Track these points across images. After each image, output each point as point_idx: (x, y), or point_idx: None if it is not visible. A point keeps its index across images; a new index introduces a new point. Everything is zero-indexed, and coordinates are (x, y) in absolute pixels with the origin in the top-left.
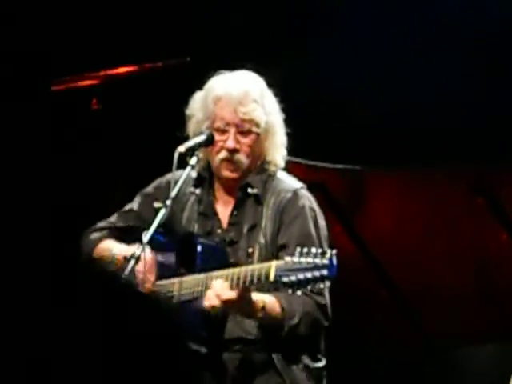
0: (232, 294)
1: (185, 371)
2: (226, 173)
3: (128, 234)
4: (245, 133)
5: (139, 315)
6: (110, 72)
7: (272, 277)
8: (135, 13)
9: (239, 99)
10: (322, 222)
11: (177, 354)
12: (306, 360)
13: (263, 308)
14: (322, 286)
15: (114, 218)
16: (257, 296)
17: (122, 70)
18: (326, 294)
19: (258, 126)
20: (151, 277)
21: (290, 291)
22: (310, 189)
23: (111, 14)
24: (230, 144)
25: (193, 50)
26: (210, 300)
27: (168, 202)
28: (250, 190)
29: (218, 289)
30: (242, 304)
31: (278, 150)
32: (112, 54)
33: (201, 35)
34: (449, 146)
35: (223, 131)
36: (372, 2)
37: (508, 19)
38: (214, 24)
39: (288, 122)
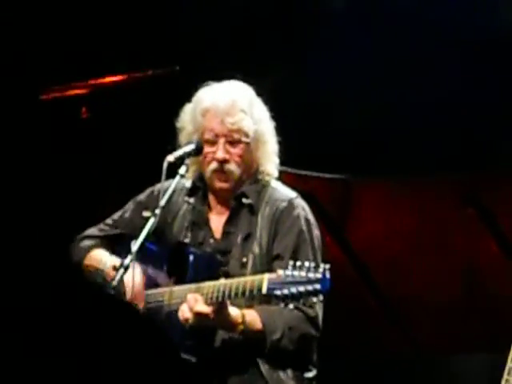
0: (204, 308)
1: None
2: (218, 184)
3: (119, 242)
4: (234, 143)
5: (124, 325)
6: (99, 81)
7: (265, 289)
8: (124, 22)
9: (226, 110)
10: (316, 232)
11: (168, 364)
12: (296, 370)
13: (243, 322)
14: (314, 300)
15: (105, 226)
16: (235, 310)
17: (112, 78)
18: (317, 305)
19: (246, 135)
20: (140, 298)
21: (282, 304)
22: None
23: (101, 23)
24: (220, 155)
25: (182, 59)
26: (184, 312)
27: (157, 211)
28: (244, 200)
29: (191, 301)
30: (217, 318)
31: (269, 159)
32: (101, 63)
33: (190, 44)
34: (439, 155)
35: (213, 142)
36: (367, 5)
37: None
38: (203, 33)
39: (276, 131)
